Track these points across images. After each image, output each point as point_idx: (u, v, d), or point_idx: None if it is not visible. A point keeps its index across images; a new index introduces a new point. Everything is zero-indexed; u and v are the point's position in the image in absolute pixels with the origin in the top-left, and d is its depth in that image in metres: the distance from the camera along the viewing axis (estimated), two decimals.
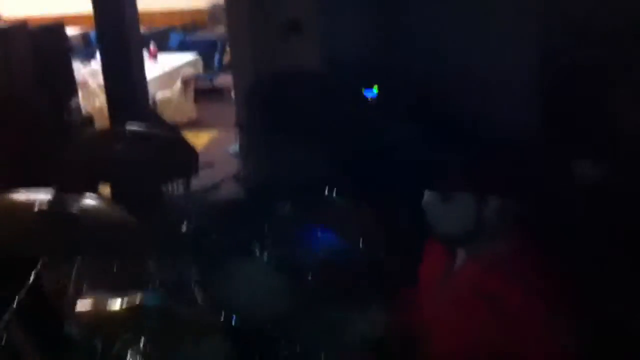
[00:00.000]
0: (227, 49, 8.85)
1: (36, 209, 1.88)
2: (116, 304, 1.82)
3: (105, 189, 3.90)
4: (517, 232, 1.83)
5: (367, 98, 3.40)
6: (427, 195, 1.88)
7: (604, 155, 3.24)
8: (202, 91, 8.68)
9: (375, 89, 3.76)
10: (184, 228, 2.59)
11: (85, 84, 7.50)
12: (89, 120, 6.01)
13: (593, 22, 3.55)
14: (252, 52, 4.25)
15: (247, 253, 2.72)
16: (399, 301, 2.35)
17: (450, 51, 3.83)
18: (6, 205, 1.95)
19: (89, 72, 7.69)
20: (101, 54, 4.86)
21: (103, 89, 7.33)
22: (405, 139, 3.31)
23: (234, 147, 6.09)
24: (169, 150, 2.41)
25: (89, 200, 2.11)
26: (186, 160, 2.43)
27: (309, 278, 2.75)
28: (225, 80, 8.96)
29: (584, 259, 1.96)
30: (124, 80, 4.82)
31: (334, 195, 3.12)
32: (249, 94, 3.97)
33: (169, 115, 7.73)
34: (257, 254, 2.72)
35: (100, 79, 7.56)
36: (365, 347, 2.39)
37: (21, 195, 2.03)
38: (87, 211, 1.94)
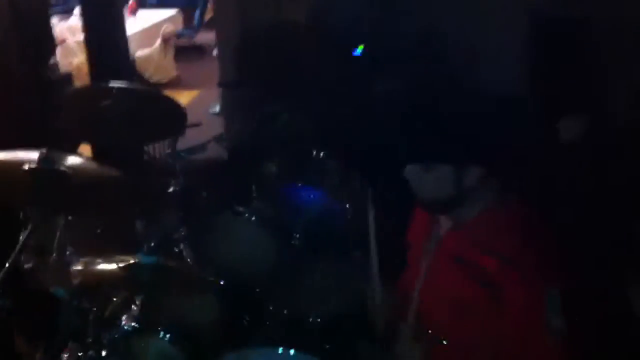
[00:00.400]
0: (208, 5, 8.75)
1: (26, 167, 1.86)
2: (112, 263, 1.83)
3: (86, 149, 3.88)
4: (499, 199, 1.85)
5: (354, 55, 3.38)
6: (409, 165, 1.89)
7: (587, 113, 3.27)
8: (182, 48, 8.55)
9: (360, 49, 3.74)
10: (171, 187, 2.59)
11: (63, 42, 7.36)
12: (68, 78, 5.90)
13: None
14: (237, 6, 4.20)
15: (234, 212, 2.73)
16: (386, 263, 2.36)
17: (431, 13, 3.82)
18: None
19: (67, 29, 7.53)
20: (81, 10, 4.78)
21: (82, 46, 7.24)
22: (390, 100, 3.31)
23: (215, 106, 6.06)
24: (157, 108, 2.39)
25: (77, 159, 2.10)
26: (174, 118, 2.41)
27: (295, 236, 2.77)
28: (205, 37, 8.85)
29: (564, 225, 1.98)
30: (105, 37, 4.75)
31: (320, 154, 3.13)
32: (235, 50, 3.93)
33: (149, 73, 7.63)
34: (244, 212, 2.73)
35: (79, 36, 7.45)
36: (350, 306, 2.41)
37: (8, 154, 2.01)
38: (77, 169, 1.93)
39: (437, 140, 1.84)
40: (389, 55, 3.66)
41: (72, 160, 2.03)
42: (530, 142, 2.00)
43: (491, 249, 1.74)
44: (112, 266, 1.82)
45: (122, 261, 1.81)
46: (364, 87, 3.38)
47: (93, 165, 2.11)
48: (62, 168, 1.90)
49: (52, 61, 6.06)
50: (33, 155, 1.94)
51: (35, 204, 1.89)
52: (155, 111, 2.36)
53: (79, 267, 1.87)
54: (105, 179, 2.00)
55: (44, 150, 1.87)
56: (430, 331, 1.87)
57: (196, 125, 2.80)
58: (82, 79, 6.71)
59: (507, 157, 1.83)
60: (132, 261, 1.81)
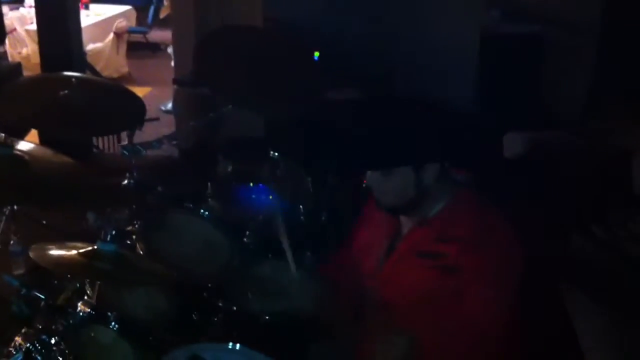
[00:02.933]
0: (165, 2, 8.69)
1: None
2: (71, 250, 1.83)
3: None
4: (457, 194, 1.94)
5: (312, 59, 3.42)
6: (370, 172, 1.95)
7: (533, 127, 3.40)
8: (134, 45, 8.47)
9: (316, 54, 3.79)
10: (125, 180, 2.58)
11: (13, 31, 7.23)
12: (17, 67, 5.80)
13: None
14: (194, 4, 4.21)
15: (187, 209, 2.73)
16: (338, 262, 2.41)
17: (389, 18, 3.91)
18: None
19: (17, 18, 7.41)
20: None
21: (31, 36, 7.13)
22: (347, 100, 3.37)
23: (167, 104, 6.04)
24: (116, 100, 2.39)
25: (32, 145, 2.09)
26: (133, 111, 2.41)
27: (247, 235, 2.79)
28: (158, 35, 8.78)
29: (519, 214, 2.08)
30: (59, 27, 4.70)
31: (274, 154, 3.15)
32: (195, 49, 3.93)
33: (99, 68, 7.53)
34: (197, 209, 2.73)
35: (28, 25, 7.32)
36: (303, 308, 2.44)
37: None
38: (34, 155, 1.93)
39: (393, 147, 1.91)
40: (344, 61, 3.72)
41: (27, 146, 2.03)
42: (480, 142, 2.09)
43: (452, 237, 1.83)
44: (71, 252, 1.82)
45: (80, 248, 1.81)
46: (320, 91, 3.43)
47: (49, 153, 2.11)
48: (20, 154, 1.89)
49: (1, 49, 5.95)
50: None
51: None
52: (114, 103, 2.36)
53: (34, 253, 1.86)
54: (61, 166, 1.99)
55: (1, 135, 1.86)
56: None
57: (154, 119, 2.80)
58: (30, 69, 6.61)
59: (459, 157, 1.92)
60: (92, 248, 1.81)
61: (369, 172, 1.95)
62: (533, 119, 3.60)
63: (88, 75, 2.56)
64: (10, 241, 3.02)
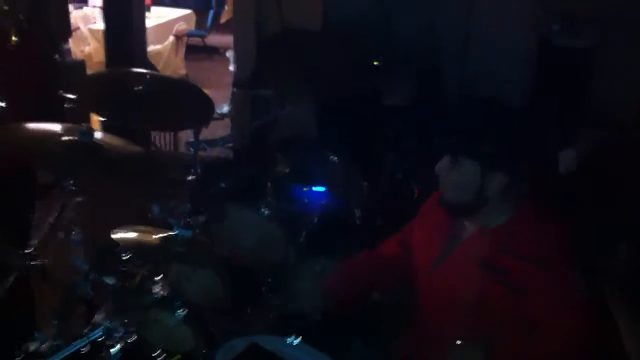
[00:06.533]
0: (226, 7, 8.83)
1: (64, 139, 1.95)
2: (148, 234, 1.93)
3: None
4: (522, 206, 1.95)
5: (370, 61, 3.47)
6: (441, 161, 1.98)
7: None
8: (192, 48, 8.64)
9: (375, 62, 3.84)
10: (190, 176, 2.67)
11: (76, 29, 7.43)
12: (81, 64, 5.98)
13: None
14: (256, 9, 4.30)
15: (245, 205, 2.81)
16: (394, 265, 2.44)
17: (451, 24, 3.94)
18: (34, 136, 2.02)
19: (81, 17, 7.62)
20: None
21: (94, 34, 7.33)
22: (406, 105, 3.42)
23: (222, 106, 6.15)
24: (187, 97, 2.48)
25: (106, 135, 2.20)
26: (202, 109, 2.50)
27: (303, 231, 2.86)
28: (216, 39, 8.94)
29: (586, 229, 2.07)
30: (125, 27, 4.85)
31: (332, 154, 3.22)
32: (252, 52, 4.02)
33: (159, 69, 7.69)
34: (255, 206, 2.81)
35: (91, 24, 7.53)
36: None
37: (45, 126, 2.10)
38: (108, 142, 2.02)
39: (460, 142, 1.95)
40: (403, 66, 3.76)
41: (102, 135, 2.13)
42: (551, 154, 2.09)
43: (518, 253, 1.84)
44: (149, 237, 1.91)
45: (157, 233, 1.91)
46: (378, 92, 3.49)
47: (121, 142, 2.21)
48: (98, 142, 1.99)
49: (65, 47, 6.14)
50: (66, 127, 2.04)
51: (69, 175, 1.98)
52: (184, 100, 2.46)
53: (115, 236, 1.96)
54: (134, 154, 2.09)
55: (84, 124, 1.96)
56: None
57: (221, 118, 2.89)
58: (92, 67, 6.79)
59: (530, 167, 1.94)
60: (170, 233, 1.91)
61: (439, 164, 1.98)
62: (590, 126, 3.57)
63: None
64: (72, 230, 3.14)
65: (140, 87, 2.36)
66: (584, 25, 3.74)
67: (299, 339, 2.14)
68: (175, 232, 1.94)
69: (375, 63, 3.75)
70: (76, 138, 1.96)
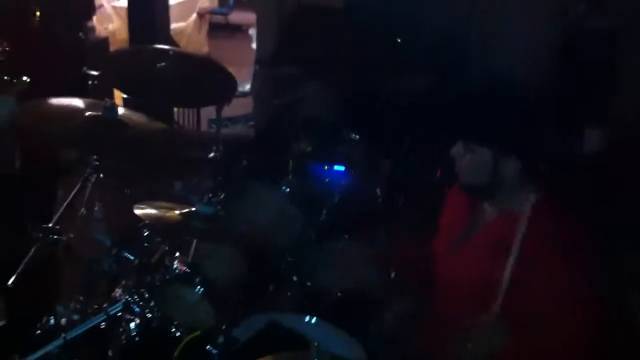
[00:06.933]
0: None
1: (87, 114, 1.96)
2: (172, 211, 1.95)
3: None
4: (538, 188, 1.95)
5: (391, 40, 3.45)
6: (456, 144, 1.99)
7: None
8: (215, 25, 8.62)
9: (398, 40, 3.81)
10: (212, 153, 2.68)
11: (100, 7, 7.44)
12: (104, 42, 6.01)
13: None
14: None
15: (266, 182, 2.82)
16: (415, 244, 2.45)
17: (474, 6, 3.90)
18: (58, 112, 2.04)
19: None
20: None
21: (118, 12, 7.34)
22: (426, 87, 3.39)
23: (244, 85, 6.15)
24: (210, 74, 2.49)
25: (129, 111, 2.20)
26: (225, 86, 2.50)
27: (324, 210, 2.86)
28: (239, 16, 8.91)
29: (602, 214, 2.07)
30: (147, 4, 4.86)
31: (353, 135, 3.21)
32: (275, 29, 4.01)
33: (182, 46, 7.69)
34: (275, 184, 2.82)
35: (115, 2, 7.54)
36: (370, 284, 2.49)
37: (69, 102, 2.11)
38: (131, 119, 2.03)
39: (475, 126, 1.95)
40: (423, 50, 3.73)
41: (125, 112, 2.14)
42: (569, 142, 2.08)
43: (536, 238, 1.84)
44: (171, 213, 1.93)
45: (179, 209, 1.92)
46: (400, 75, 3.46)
47: (144, 118, 2.22)
48: (122, 118, 2.00)
49: (89, 25, 6.16)
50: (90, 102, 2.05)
51: (92, 151, 1.99)
52: (208, 78, 2.46)
53: (139, 211, 1.98)
54: (157, 131, 2.09)
55: (108, 100, 1.97)
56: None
57: (243, 95, 2.89)
58: (116, 44, 6.81)
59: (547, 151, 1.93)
60: (191, 209, 1.92)
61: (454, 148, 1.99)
62: (612, 116, 3.54)
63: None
64: (94, 207, 3.17)
65: (163, 64, 2.37)
66: (610, 4, 3.68)
67: (315, 318, 2.16)
68: (197, 209, 1.95)
69: (398, 40, 3.74)
70: (100, 114, 1.98)
